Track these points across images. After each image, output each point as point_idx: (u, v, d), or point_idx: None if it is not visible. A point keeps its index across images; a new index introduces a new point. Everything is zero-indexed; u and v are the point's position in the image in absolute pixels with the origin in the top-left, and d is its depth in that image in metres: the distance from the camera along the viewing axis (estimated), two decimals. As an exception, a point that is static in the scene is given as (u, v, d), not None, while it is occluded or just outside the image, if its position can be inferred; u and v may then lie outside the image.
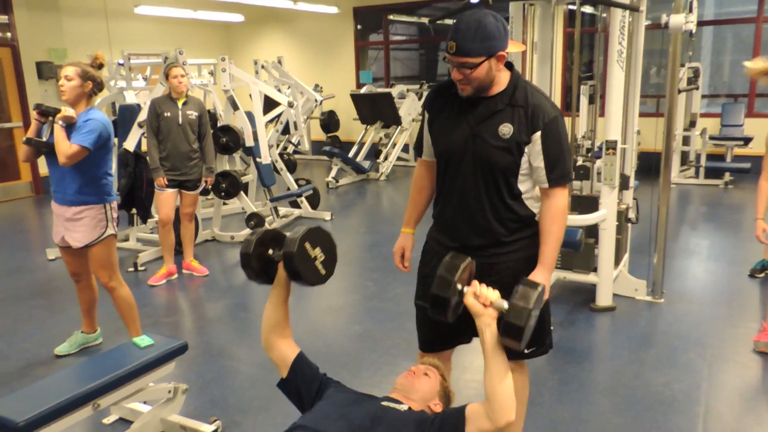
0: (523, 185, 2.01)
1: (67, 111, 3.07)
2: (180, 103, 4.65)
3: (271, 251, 1.98)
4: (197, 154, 4.74)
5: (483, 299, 1.75)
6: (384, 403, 1.84)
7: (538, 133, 1.93)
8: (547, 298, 2.03)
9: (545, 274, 2.02)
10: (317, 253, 1.93)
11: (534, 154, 1.95)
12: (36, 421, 2.11)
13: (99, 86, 3.21)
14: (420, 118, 2.46)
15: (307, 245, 1.90)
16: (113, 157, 3.30)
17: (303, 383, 1.94)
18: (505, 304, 1.73)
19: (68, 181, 3.15)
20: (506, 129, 1.94)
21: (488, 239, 2.06)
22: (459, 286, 1.78)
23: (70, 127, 3.08)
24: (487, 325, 1.73)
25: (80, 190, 3.16)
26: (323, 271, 1.96)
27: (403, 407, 1.83)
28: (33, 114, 3.18)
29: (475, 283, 1.80)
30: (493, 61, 1.89)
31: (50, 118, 3.13)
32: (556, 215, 2.01)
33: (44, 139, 3.16)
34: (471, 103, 1.99)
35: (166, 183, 4.63)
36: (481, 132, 1.97)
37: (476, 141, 1.98)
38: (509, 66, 1.99)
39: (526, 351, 2.15)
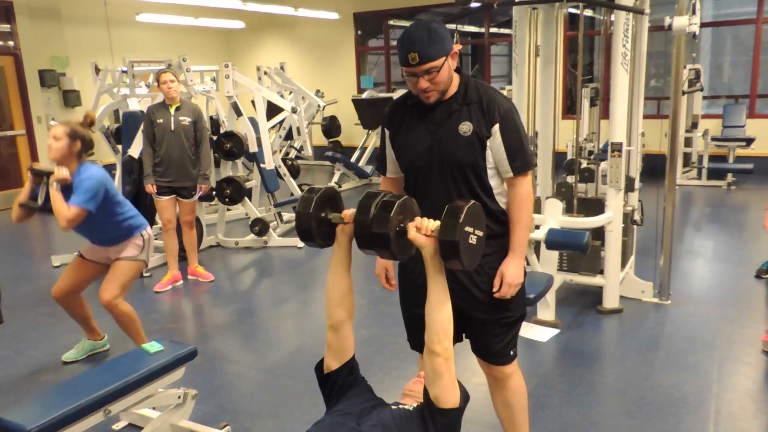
0: (492, 180, 2.05)
1: (61, 172, 3.03)
2: (173, 110, 4.62)
3: (327, 213, 1.88)
4: (192, 161, 4.69)
5: (425, 230, 1.74)
6: (394, 408, 1.84)
7: (497, 126, 1.98)
8: (521, 282, 2.09)
9: (517, 261, 2.07)
10: (476, 231, 1.79)
11: (495, 147, 2.00)
12: (47, 427, 2.11)
13: (88, 145, 3.16)
14: None
15: (468, 228, 1.75)
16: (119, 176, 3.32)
17: (344, 385, 1.92)
18: None
19: (95, 233, 3.23)
20: (466, 127, 1.99)
21: None
22: (400, 225, 1.74)
23: (66, 187, 3.06)
24: (431, 255, 1.73)
25: (110, 235, 3.24)
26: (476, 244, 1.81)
27: (413, 405, 1.83)
28: (28, 176, 3.11)
29: (418, 218, 1.78)
30: (450, 60, 1.95)
31: (45, 179, 3.07)
32: (521, 203, 2.06)
33: (39, 200, 3.10)
34: (428, 110, 2.03)
35: (155, 190, 4.62)
36: (442, 135, 2.01)
37: (440, 145, 2.01)
38: (457, 70, 2.05)
39: (511, 353, 2.20)
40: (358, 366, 1.97)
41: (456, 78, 2.03)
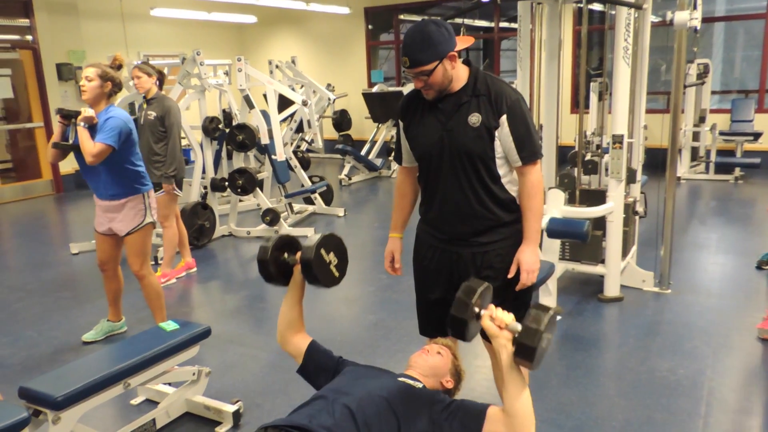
0: (501, 169, 2.14)
1: (87, 112, 3.22)
2: (145, 104, 4.58)
3: (286, 255, 2.17)
4: (157, 157, 4.51)
5: (498, 321, 1.84)
6: (401, 379, 1.96)
7: (504, 116, 2.07)
8: (539, 267, 2.17)
9: (532, 248, 2.15)
10: (332, 257, 2.11)
11: (504, 137, 2.08)
12: (72, 396, 2.26)
13: (118, 86, 3.36)
14: None
15: (323, 251, 2.08)
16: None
17: (319, 366, 2.11)
18: (519, 326, 1.82)
19: (102, 178, 3.33)
20: (475, 118, 2.08)
21: (476, 227, 2.18)
22: (476, 309, 1.87)
23: (92, 126, 3.23)
24: (503, 346, 1.82)
25: (115, 184, 3.34)
26: (337, 274, 2.15)
27: (419, 385, 1.96)
28: (56, 118, 3.33)
29: (492, 306, 1.89)
30: (446, 62, 2.03)
31: (73, 120, 3.28)
32: (531, 191, 2.14)
33: (70, 141, 3.32)
34: (438, 102, 2.13)
35: None
36: (452, 126, 2.11)
37: (450, 135, 2.11)
38: (467, 62, 2.14)
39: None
40: (326, 350, 2.18)
41: (465, 70, 2.11)
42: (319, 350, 2.16)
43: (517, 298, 2.22)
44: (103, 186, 3.36)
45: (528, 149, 2.10)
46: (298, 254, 2.11)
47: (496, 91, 2.08)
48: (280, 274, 2.17)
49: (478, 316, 1.87)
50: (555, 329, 1.87)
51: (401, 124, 2.28)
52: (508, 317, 1.85)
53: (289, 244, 2.19)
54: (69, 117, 3.28)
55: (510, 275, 2.16)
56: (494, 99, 2.07)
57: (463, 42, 2.11)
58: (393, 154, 2.45)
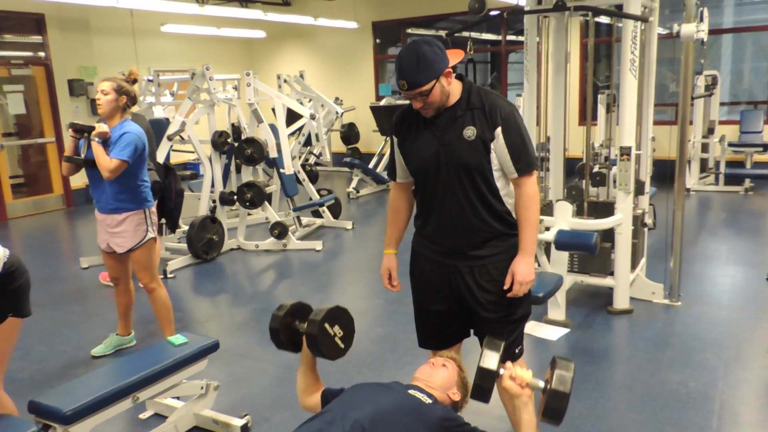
0: (499, 182, 2.15)
1: (101, 127, 3.25)
2: None
3: (297, 322, 2.19)
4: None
5: (519, 380, 1.86)
6: (411, 392, 1.96)
7: (499, 128, 2.08)
8: (532, 279, 2.17)
9: (527, 259, 2.16)
10: (336, 330, 2.13)
11: (499, 149, 2.10)
12: (81, 410, 2.27)
13: (133, 100, 3.39)
14: None
15: (326, 325, 2.09)
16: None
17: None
18: (540, 383, 1.85)
19: (107, 191, 3.34)
20: (470, 131, 2.09)
21: (473, 239, 2.18)
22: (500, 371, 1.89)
23: (105, 141, 3.26)
24: (525, 404, 1.85)
25: (119, 198, 3.34)
26: (342, 346, 2.16)
27: (428, 400, 1.95)
28: (69, 132, 3.34)
29: (509, 364, 1.91)
30: (443, 80, 2.05)
31: (85, 135, 3.31)
32: (527, 202, 2.15)
33: (82, 155, 3.35)
34: (433, 117, 2.15)
35: None
36: (448, 140, 2.12)
37: (446, 149, 2.12)
38: (459, 77, 2.16)
39: (516, 351, 2.29)
40: (335, 391, 2.14)
41: (458, 85, 2.14)
42: (332, 392, 2.15)
43: (517, 310, 2.24)
44: (106, 199, 3.36)
45: (524, 160, 2.11)
46: (305, 325, 2.13)
47: (490, 103, 2.10)
48: (291, 342, 2.19)
49: (497, 374, 1.89)
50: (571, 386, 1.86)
51: (395, 139, 2.29)
52: (527, 375, 1.87)
53: (301, 310, 2.21)
54: (81, 131, 3.31)
55: (505, 286, 2.17)
56: (489, 111, 2.09)
57: (453, 56, 2.13)
58: (386, 170, 2.45)
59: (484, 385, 1.86)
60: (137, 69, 3.67)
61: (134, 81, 3.46)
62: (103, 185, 3.34)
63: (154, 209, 3.51)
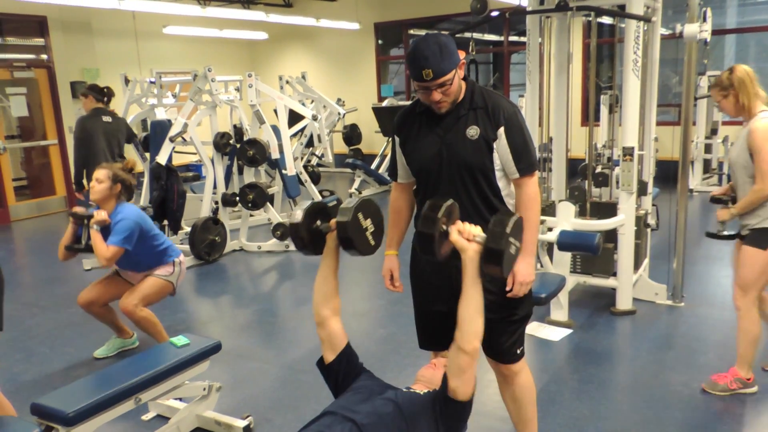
0: (500, 182, 2.15)
1: (100, 215, 3.30)
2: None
3: (319, 222, 2.07)
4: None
5: (467, 234, 1.87)
6: (405, 390, 1.96)
7: (502, 128, 2.08)
8: (533, 280, 2.16)
9: (528, 260, 2.14)
10: (368, 224, 2.01)
11: (502, 149, 2.10)
12: (84, 412, 2.27)
13: (128, 189, 3.43)
14: None
15: (360, 216, 1.97)
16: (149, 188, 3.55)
17: (345, 373, 2.03)
18: (485, 236, 1.84)
19: (130, 264, 3.46)
20: (473, 131, 2.09)
21: None
22: (443, 226, 1.86)
23: (105, 227, 3.32)
24: (471, 258, 1.85)
25: (144, 264, 3.47)
26: (372, 242, 2.04)
27: (423, 391, 1.95)
28: (69, 220, 3.41)
29: (459, 221, 1.91)
30: (458, 71, 2.06)
31: (85, 222, 3.36)
32: (528, 203, 2.15)
33: (83, 241, 3.41)
34: (436, 116, 2.14)
35: None
36: (451, 140, 2.12)
37: (449, 149, 2.12)
38: (463, 77, 2.15)
39: (517, 351, 2.28)
40: (357, 355, 2.08)
41: (462, 85, 2.14)
42: (353, 356, 2.07)
43: (518, 311, 2.23)
44: (126, 263, 3.46)
45: (525, 161, 2.12)
46: (333, 220, 2.01)
47: (493, 103, 2.11)
48: (312, 242, 2.05)
49: (447, 234, 1.87)
50: (521, 235, 1.89)
51: (397, 139, 2.28)
52: (476, 229, 1.87)
53: (324, 211, 2.09)
54: (81, 219, 3.36)
55: (507, 287, 2.16)
56: (492, 111, 2.09)
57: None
58: (388, 170, 2.44)
59: (425, 231, 1.84)
60: (139, 70, 3.70)
61: (131, 170, 3.49)
62: (125, 262, 3.44)
63: (183, 258, 3.59)
